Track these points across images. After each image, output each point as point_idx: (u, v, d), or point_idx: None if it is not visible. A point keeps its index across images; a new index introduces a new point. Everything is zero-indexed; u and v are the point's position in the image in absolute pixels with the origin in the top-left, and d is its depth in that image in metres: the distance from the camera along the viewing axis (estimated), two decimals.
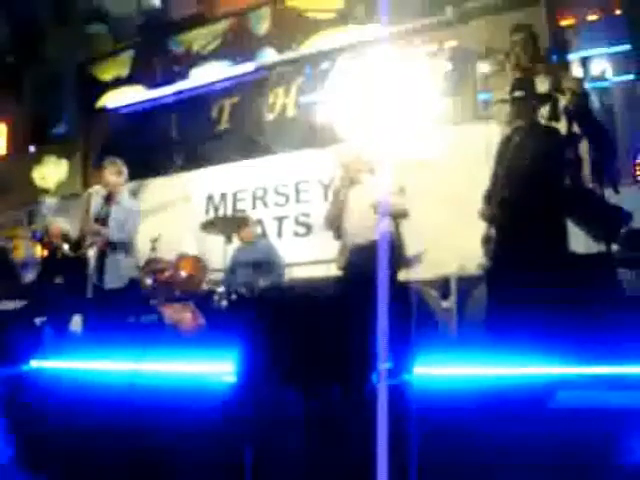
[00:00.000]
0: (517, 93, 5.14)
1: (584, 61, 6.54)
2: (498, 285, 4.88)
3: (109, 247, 6.14)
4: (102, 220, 6.21)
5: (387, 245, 2.66)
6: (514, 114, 5.11)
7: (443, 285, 6.11)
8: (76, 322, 7.07)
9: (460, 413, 3.65)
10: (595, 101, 6.22)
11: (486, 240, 4.99)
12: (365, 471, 2.58)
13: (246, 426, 4.24)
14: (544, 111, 5.75)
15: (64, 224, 7.57)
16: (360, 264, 4.92)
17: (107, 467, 4.75)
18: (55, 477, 4.95)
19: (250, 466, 4.18)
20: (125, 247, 6.17)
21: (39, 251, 8.18)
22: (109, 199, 6.27)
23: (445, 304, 6.04)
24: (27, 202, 10.17)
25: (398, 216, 5.02)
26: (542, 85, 6.10)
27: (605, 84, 6.49)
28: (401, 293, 4.38)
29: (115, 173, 6.29)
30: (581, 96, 5.99)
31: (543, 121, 5.38)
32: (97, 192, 6.35)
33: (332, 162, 5.46)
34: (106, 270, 6.15)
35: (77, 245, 6.95)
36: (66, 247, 7.23)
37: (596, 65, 6.54)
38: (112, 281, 6.12)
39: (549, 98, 5.59)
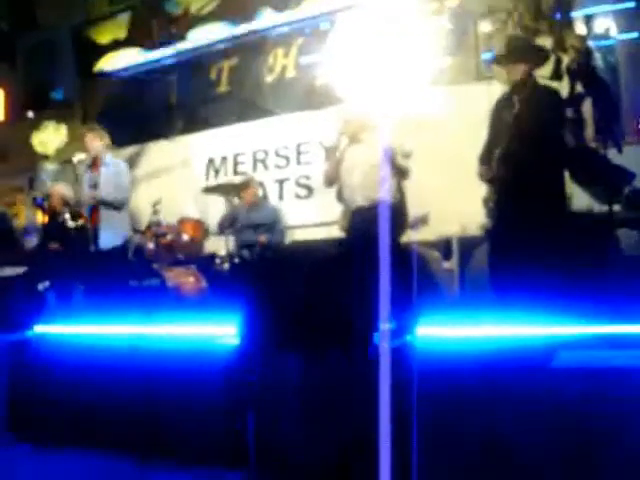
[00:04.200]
0: (514, 50, 5.07)
1: (588, 19, 6.44)
2: (500, 245, 4.87)
3: (103, 208, 6.37)
4: (93, 185, 6.47)
5: (389, 205, 2.64)
6: (511, 71, 5.04)
7: (445, 246, 6.10)
8: (79, 287, 7.09)
9: (462, 374, 3.66)
10: (599, 59, 6.13)
11: (487, 201, 4.97)
12: (368, 434, 2.60)
13: (248, 390, 4.27)
14: (546, 69, 5.69)
15: (65, 189, 7.55)
16: (362, 225, 4.91)
17: (111, 431, 4.80)
18: (59, 441, 5.01)
19: (252, 430, 4.22)
20: (118, 205, 6.40)
21: (40, 217, 8.17)
22: (94, 164, 6.54)
23: (447, 265, 6.04)
24: (27, 168, 10.13)
25: (400, 176, 5.00)
26: (544, 43, 6.02)
27: (609, 42, 6.40)
28: (402, 254, 4.36)
29: (96, 138, 6.55)
30: (584, 54, 5.91)
31: (542, 80, 5.32)
32: (82, 161, 6.55)
33: (333, 121, 5.42)
34: (101, 230, 6.36)
35: (76, 215, 6.97)
36: (67, 212, 7.23)
37: (600, 23, 6.44)
38: (108, 240, 6.34)
39: (547, 54, 5.51)
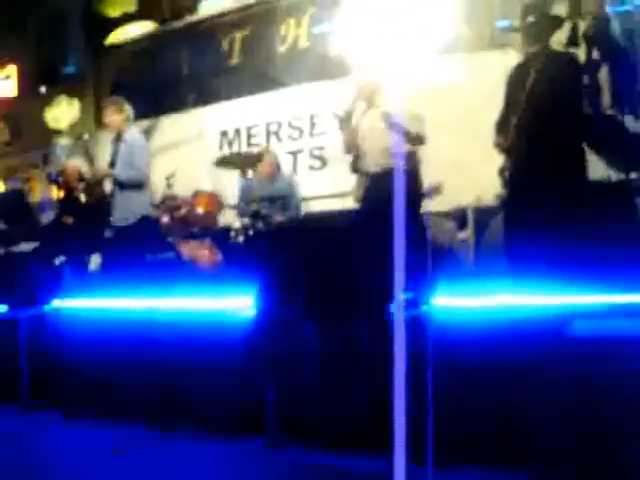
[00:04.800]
0: (529, 18, 4.99)
1: None
2: (516, 215, 4.84)
3: (118, 186, 6.17)
4: (111, 163, 6.24)
5: (403, 172, 2.62)
6: (527, 40, 4.97)
7: (460, 216, 6.07)
8: (95, 261, 7.13)
9: (476, 343, 3.67)
10: (616, 26, 6.03)
11: (504, 170, 4.93)
12: (383, 402, 2.61)
13: (266, 361, 4.30)
14: (562, 36, 5.60)
15: (79, 165, 7.57)
16: (377, 193, 4.87)
17: (127, 401, 4.86)
18: (78, 410, 5.09)
19: (271, 398, 4.25)
20: (136, 184, 6.14)
21: (55, 192, 8.20)
22: (118, 139, 6.27)
23: (462, 235, 6.01)
24: (41, 144, 10.15)
25: (415, 142, 4.92)
26: (560, 9, 5.93)
27: (626, 8, 6.28)
28: (416, 224, 4.34)
29: (116, 112, 6.24)
30: (601, 20, 5.81)
31: (558, 47, 5.24)
32: (88, 139, 6.36)
33: (348, 89, 5.36)
34: (116, 208, 6.21)
35: (90, 189, 6.98)
36: (82, 187, 7.26)
37: None
38: (120, 218, 6.18)
39: (562, 22, 5.42)
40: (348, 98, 5.32)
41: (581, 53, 5.58)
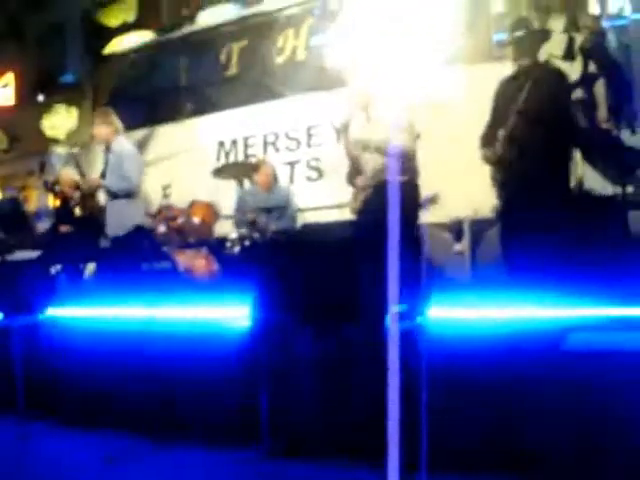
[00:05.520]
0: (517, 32, 5.02)
1: None
2: (511, 228, 4.85)
3: (110, 196, 6.20)
4: (102, 174, 6.28)
5: (399, 185, 2.62)
6: (515, 54, 5.01)
7: (456, 228, 6.08)
8: (90, 270, 7.12)
9: (472, 355, 3.66)
10: (612, 40, 6.06)
11: (496, 183, 4.94)
12: (378, 411, 2.61)
13: (261, 369, 4.29)
14: (559, 49, 5.63)
15: (75, 174, 7.57)
16: (372, 205, 4.87)
17: (121, 411, 4.84)
18: (72, 420, 5.06)
19: (266, 407, 4.24)
20: (127, 194, 6.14)
21: (51, 201, 8.20)
22: (107, 151, 6.29)
23: (458, 247, 6.02)
24: (38, 152, 10.15)
25: (407, 154, 4.93)
26: (557, 23, 5.96)
27: (622, 22, 6.32)
28: (412, 235, 4.35)
29: (104, 124, 6.26)
30: (598, 34, 5.85)
31: (547, 60, 5.28)
32: (77, 151, 6.39)
33: (345, 102, 5.38)
34: (109, 218, 6.23)
35: (84, 201, 6.98)
36: (77, 197, 7.25)
37: (614, 2, 6.36)
38: (114, 228, 6.18)
39: (549, 35, 5.47)
40: (344, 109, 5.34)
41: (577, 67, 5.61)
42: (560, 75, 5.03)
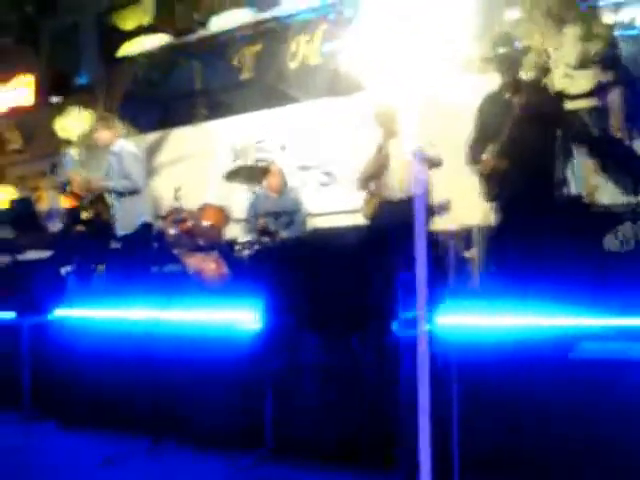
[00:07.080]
0: (500, 49, 5.02)
1: (615, 8, 6.36)
2: (515, 238, 4.84)
3: (116, 196, 6.47)
4: (108, 174, 6.57)
5: (425, 196, 2.65)
6: (499, 70, 5.01)
7: (466, 236, 6.08)
8: (101, 271, 7.15)
9: (482, 362, 3.66)
10: (625, 49, 6.06)
11: (496, 195, 4.92)
12: (382, 417, 2.61)
13: (269, 374, 4.30)
14: (572, 59, 5.63)
15: (85, 175, 7.60)
16: (398, 216, 4.90)
17: (128, 412, 4.85)
18: (78, 420, 5.08)
19: (270, 412, 4.25)
20: (131, 192, 6.42)
21: (63, 202, 8.24)
22: (110, 153, 6.57)
23: (468, 254, 6.01)
24: (51, 153, 10.19)
25: (434, 166, 5.03)
26: (570, 32, 5.96)
27: (635, 32, 6.32)
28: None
29: (105, 128, 6.62)
30: (611, 44, 5.85)
31: (526, 76, 5.29)
32: (72, 153, 6.60)
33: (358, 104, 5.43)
34: (117, 217, 6.51)
35: (93, 203, 7.03)
36: (89, 198, 7.28)
37: (626, 12, 6.36)
38: (122, 227, 6.45)
39: (528, 53, 5.51)
40: (357, 115, 5.37)
41: (591, 76, 5.61)
42: (546, 90, 5.05)
